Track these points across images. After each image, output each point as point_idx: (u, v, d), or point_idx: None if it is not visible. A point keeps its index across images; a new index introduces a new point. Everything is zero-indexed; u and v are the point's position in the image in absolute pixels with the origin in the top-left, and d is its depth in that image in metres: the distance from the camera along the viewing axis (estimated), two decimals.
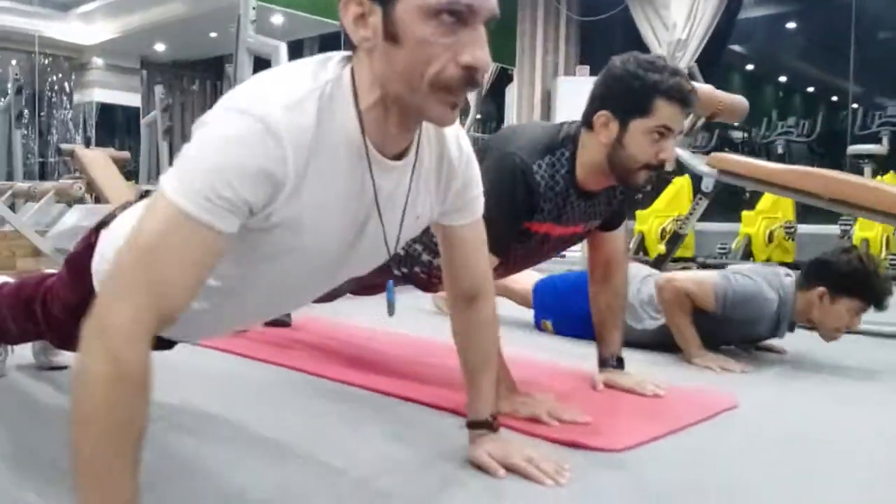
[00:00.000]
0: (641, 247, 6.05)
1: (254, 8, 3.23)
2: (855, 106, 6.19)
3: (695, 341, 2.15)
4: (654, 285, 2.24)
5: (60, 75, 10.12)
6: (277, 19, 6.86)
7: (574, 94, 7.29)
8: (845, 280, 2.04)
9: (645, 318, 2.29)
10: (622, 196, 1.75)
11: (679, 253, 6.04)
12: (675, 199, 6.04)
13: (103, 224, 1.26)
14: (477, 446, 1.25)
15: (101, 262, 1.18)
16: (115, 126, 11.04)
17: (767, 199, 5.76)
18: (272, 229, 0.92)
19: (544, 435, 1.40)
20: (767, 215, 5.84)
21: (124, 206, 1.30)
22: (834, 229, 5.08)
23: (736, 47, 8.47)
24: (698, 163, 3.03)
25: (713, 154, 2.98)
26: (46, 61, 9.81)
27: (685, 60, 6.80)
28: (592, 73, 7.46)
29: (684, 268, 5.42)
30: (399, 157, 1.00)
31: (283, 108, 0.86)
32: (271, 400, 1.68)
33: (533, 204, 1.56)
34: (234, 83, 3.26)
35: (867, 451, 1.43)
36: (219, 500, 1.09)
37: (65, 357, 1.83)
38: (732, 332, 2.21)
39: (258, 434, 1.41)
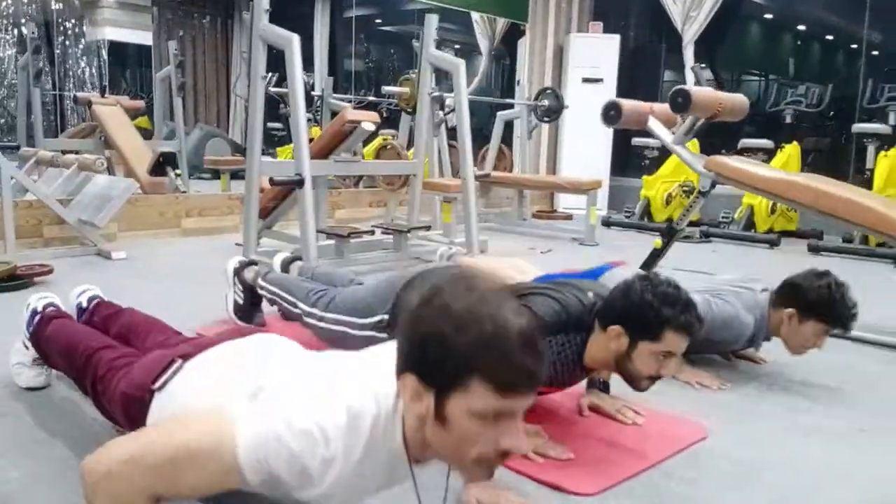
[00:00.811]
0: (647, 212, 6.16)
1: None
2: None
3: None
4: None
5: (71, 11, 10.05)
6: None
7: (586, 50, 7.29)
8: (813, 305, 2.19)
9: None
10: None
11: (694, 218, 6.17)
12: (681, 166, 6.11)
13: (184, 357, 1.35)
14: (469, 490, 1.44)
15: (161, 408, 1.29)
16: (126, 63, 11.03)
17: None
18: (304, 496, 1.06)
19: (528, 473, 1.59)
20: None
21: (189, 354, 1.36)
22: None
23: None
24: (697, 164, 3.13)
25: (710, 158, 3.08)
26: (59, 5, 9.74)
27: (699, 19, 6.74)
28: (606, 29, 7.41)
29: (687, 236, 5.56)
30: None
31: (344, 435, 1.01)
32: None
33: None
34: (250, 74, 3.40)
35: (829, 489, 1.62)
36: None
37: None
38: (711, 348, 2.39)
39: None
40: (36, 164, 4.38)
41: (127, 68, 11.19)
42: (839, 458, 1.79)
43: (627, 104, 3.32)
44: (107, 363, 1.51)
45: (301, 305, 2.27)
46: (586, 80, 7.21)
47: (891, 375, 2.51)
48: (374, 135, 4.59)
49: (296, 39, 3.24)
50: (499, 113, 6.39)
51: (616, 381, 2.02)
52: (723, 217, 5.82)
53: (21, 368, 1.97)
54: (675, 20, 6.92)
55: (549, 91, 6.35)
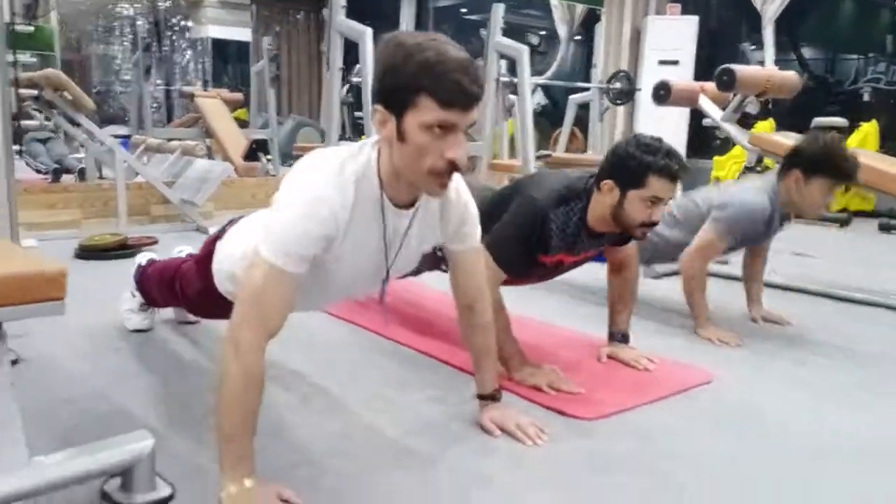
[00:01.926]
0: None
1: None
2: None
3: (702, 314, 2.51)
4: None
5: (178, 11, 10.85)
6: None
7: (664, 32, 7.32)
8: (814, 161, 2.34)
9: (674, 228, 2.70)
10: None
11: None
12: None
13: (219, 236, 1.79)
14: (483, 413, 1.72)
15: (218, 264, 1.74)
16: (227, 59, 11.79)
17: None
18: (330, 256, 1.39)
19: (538, 401, 1.86)
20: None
21: (232, 222, 1.82)
22: None
23: None
24: (743, 139, 3.26)
25: (753, 133, 3.20)
26: (167, 4, 10.54)
27: None
28: (684, 11, 7.41)
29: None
30: (409, 206, 1.44)
31: (335, 191, 1.32)
32: (345, 359, 2.20)
33: (544, 243, 1.96)
34: (329, 64, 3.76)
35: (813, 434, 1.80)
36: (285, 450, 1.62)
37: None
38: (747, 240, 2.57)
39: (326, 390, 1.92)
40: (145, 150, 4.91)
41: (228, 63, 11.97)
42: (831, 408, 1.95)
43: (677, 84, 3.47)
44: (185, 266, 1.97)
45: None
46: (662, 63, 7.24)
47: None
48: None
49: (368, 33, 3.56)
50: (571, 96, 6.55)
51: (645, 332, 2.26)
52: None
53: (130, 314, 2.38)
54: None
55: (621, 74, 6.45)
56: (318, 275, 1.44)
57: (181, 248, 2.54)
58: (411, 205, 1.45)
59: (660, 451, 1.64)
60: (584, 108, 6.67)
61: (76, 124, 4.33)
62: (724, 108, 3.44)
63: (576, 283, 3.03)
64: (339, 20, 3.67)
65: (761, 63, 6.72)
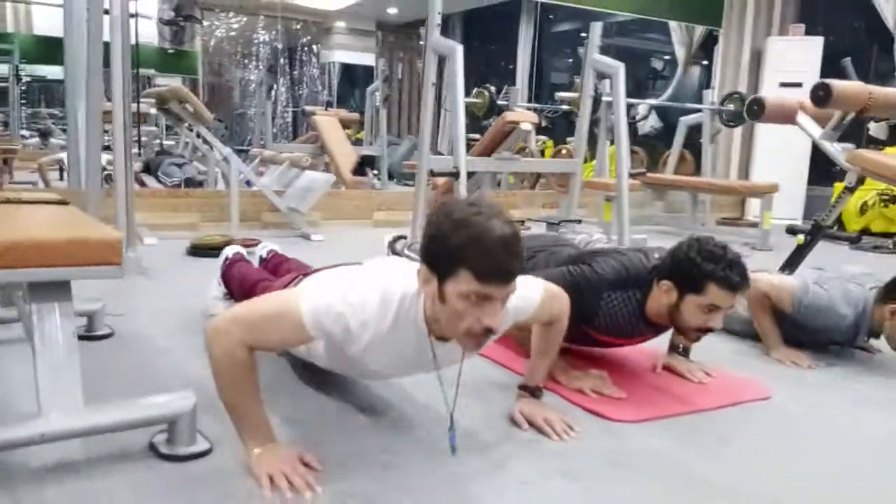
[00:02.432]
0: (837, 220, 5.82)
1: (439, 13, 3.79)
2: None
3: (773, 336, 2.41)
4: None
5: (309, 38, 11.54)
6: None
7: (786, 53, 7.02)
8: None
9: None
10: None
11: (887, 227, 5.79)
12: None
13: (305, 275, 1.91)
14: (516, 404, 1.76)
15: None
16: (355, 83, 12.38)
17: None
18: (352, 353, 1.46)
19: (577, 402, 1.86)
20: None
21: (308, 274, 1.92)
22: None
23: None
24: (841, 158, 3.11)
25: (853, 152, 3.04)
26: (298, 26, 11.24)
27: None
28: (809, 32, 7.08)
29: (876, 247, 5.25)
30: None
31: (377, 307, 1.40)
32: None
33: (587, 315, 1.94)
34: (424, 77, 3.92)
35: (879, 455, 1.71)
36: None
37: None
38: (807, 335, 2.42)
39: (405, 394, 1.96)
40: (261, 161, 5.27)
41: (355, 87, 12.54)
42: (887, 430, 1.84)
43: (772, 99, 3.36)
44: (262, 287, 2.08)
45: None
46: (784, 85, 6.93)
47: None
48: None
49: (459, 49, 3.68)
50: (682, 118, 6.41)
51: (718, 351, 2.20)
52: None
53: (215, 301, 2.58)
54: (887, 18, 6.46)
55: (735, 95, 6.25)
56: (352, 361, 1.53)
57: (265, 244, 2.74)
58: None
59: (691, 455, 1.61)
60: (698, 131, 6.52)
61: (200, 137, 4.73)
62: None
63: None
64: (435, 38, 3.82)
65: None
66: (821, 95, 3.05)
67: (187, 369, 1.98)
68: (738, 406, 1.93)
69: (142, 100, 5.34)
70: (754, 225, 6.45)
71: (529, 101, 9.43)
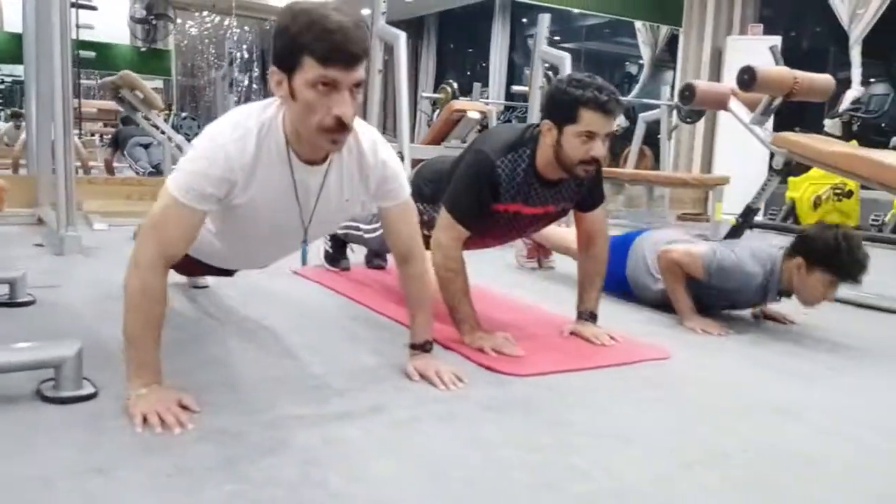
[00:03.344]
0: (792, 214, 5.94)
1: (384, 1, 3.86)
2: None
3: (685, 305, 2.48)
4: (655, 254, 2.57)
5: None
6: None
7: (745, 52, 7.12)
8: (819, 254, 2.25)
9: (658, 281, 2.64)
10: (589, 184, 2.15)
11: (841, 222, 5.87)
12: None
13: None
14: (410, 361, 1.80)
15: None
16: None
17: None
18: (237, 205, 1.54)
19: (474, 359, 1.91)
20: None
21: None
22: None
23: None
24: (767, 140, 3.19)
25: (778, 134, 3.12)
26: (269, 26, 11.27)
27: (867, 17, 6.37)
28: (767, 32, 7.20)
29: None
30: (318, 162, 1.56)
31: (234, 141, 1.47)
32: (319, 319, 2.33)
33: (494, 190, 2.04)
34: (370, 62, 3.97)
35: (757, 415, 1.77)
36: (217, 374, 1.76)
37: (205, 280, 2.61)
38: (722, 298, 2.50)
39: (289, 340, 2.06)
40: None
41: None
42: (768, 380, 1.91)
43: (703, 85, 3.44)
44: None
45: (362, 226, 2.76)
46: None
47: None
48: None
49: (402, 37, 3.75)
50: (640, 115, 6.51)
51: (632, 322, 2.26)
52: (872, 220, 5.49)
53: None
54: (842, 18, 6.59)
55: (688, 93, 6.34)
56: (234, 223, 1.60)
57: None
58: (322, 161, 1.56)
59: (566, 403, 1.66)
60: (659, 128, 6.62)
61: (152, 123, 4.75)
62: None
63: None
64: (380, 26, 3.88)
65: (848, 83, 6.45)
66: (745, 79, 3.15)
67: (97, 329, 2.02)
68: (634, 365, 1.99)
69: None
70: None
71: (506, 99, 9.54)
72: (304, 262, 1.74)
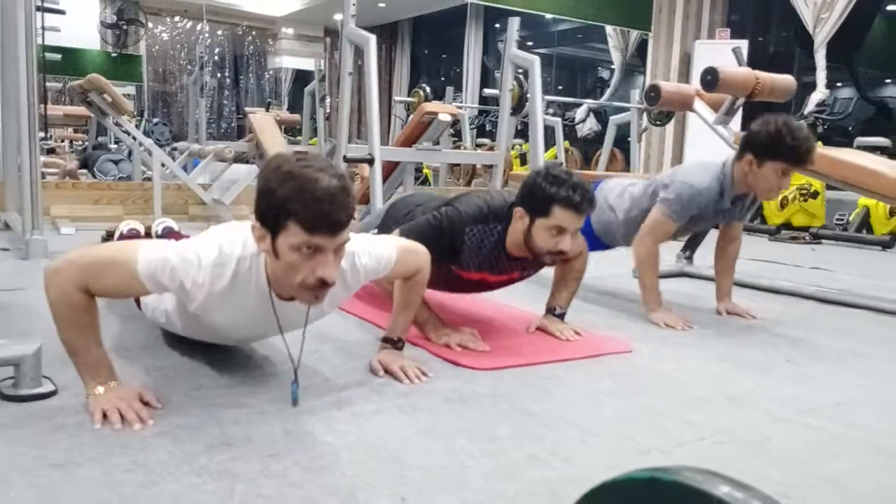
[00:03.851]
0: (759, 214, 5.98)
1: (354, 3, 3.86)
2: None
3: (654, 297, 2.52)
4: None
5: (257, 44, 11.55)
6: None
7: (712, 56, 7.23)
8: (765, 145, 2.32)
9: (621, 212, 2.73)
10: None
11: (807, 222, 5.96)
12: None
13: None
14: (377, 354, 1.82)
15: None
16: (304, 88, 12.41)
17: None
18: (194, 310, 1.52)
19: (440, 355, 1.93)
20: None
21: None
22: None
23: None
24: (730, 139, 3.24)
25: (739, 132, 3.17)
26: (245, 32, 11.24)
27: (830, 21, 6.51)
28: (735, 36, 7.33)
29: (794, 238, 5.43)
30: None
31: (211, 267, 1.45)
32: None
33: (454, 252, 2.04)
34: (340, 65, 3.98)
35: (709, 404, 1.80)
36: (196, 375, 1.75)
37: None
38: (694, 221, 2.57)
39: (265, 347, 2.04)
40: (189, 155, 5.28)
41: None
42: (738, 378, 1.94)
43: (668, 86, 3.49)
44: None
45: None
46: None
47: (870, 335, 2.51)
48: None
49: (372, 39, 3.76)
50: (611, 117, 6.58)
51: (599, 317, 2.29)
52: (837, 220, 5.59)
53: None
54: (807, 22, 6.73)
55: (653, 94, 6.42)
56: (201, 322, 1.59)
57: (161, 219, 2.76)
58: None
59: (527, 394, 1.68)
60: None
61: (122, 128, 4.72)
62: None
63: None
64: (350, 28, 3.89)
65: (813, 86, 6.57)
66: (709, 80, 3.20)
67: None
68: (597, 358, 2.02)
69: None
70: None
71: (479, 103, 9.58)
72: (294, 403, 1.66)
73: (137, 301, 2.32)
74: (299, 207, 1.31)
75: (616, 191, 2.80)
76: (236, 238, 1.49)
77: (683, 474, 0.52)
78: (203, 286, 1.45)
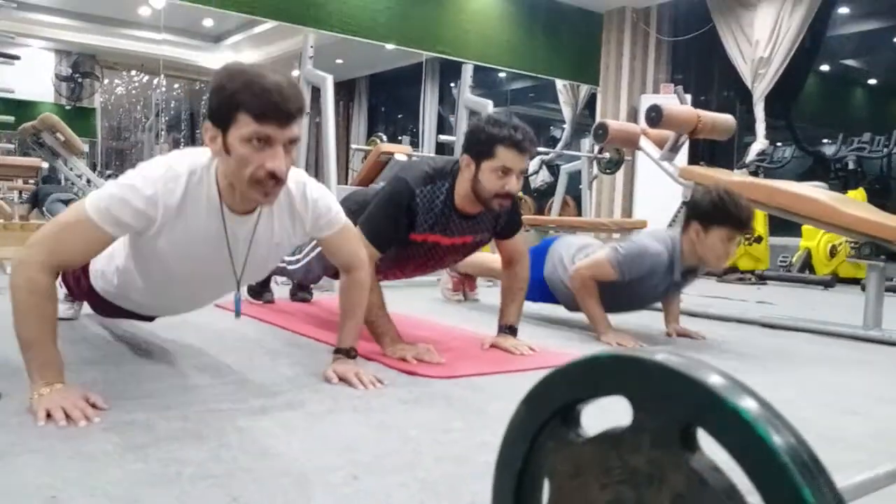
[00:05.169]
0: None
1: (312, 46, 3.96)
2: None
3: (601, 320, 2.56)
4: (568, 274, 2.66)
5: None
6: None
7: None
8: (709, 212, 2.39)
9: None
10: (506, 216, 2.23)
11: (752, 266, 6.14)
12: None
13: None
14: (331, 365, 1.81)
15: (94, 263, 1.83)
16: None
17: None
18: (160, 247, 1.53)
19: (396, 366, 1.93)
20: None
21: None
22: None
23: (852, 62, 8.30)
24: (675, 174, 3.37)
25: (684, 167, 3.31)
26: (201, 86, 11.30)
27: (768, 77, 6.87)
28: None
29: (740, 279, 5.59)
30: (249, 212, 1.58)
31: (163, 181, 1.47)
32: (239, 341, 2.31)
33: (411, 219, 2.09)
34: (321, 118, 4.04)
35: None
36: (142, 396, 1.72)
37: None
38: (635, 295, 2.60)
39: (208, 357, 2.03)
40: None
41: None
42: None
43: (615, 124, 3.63)
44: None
45: (285, 258, 2.75)
46: None
47: (808, 353, 2.59)
48: None
49: (329, 79, 3.85)
50: (563, 166, 6.75)
51: (551, 338, 2.31)
52: (780, 262, 5.78)
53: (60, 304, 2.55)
54: (745, 78, 7.08)
55: (600, 131, 6.64)
56: (160, 266, 1.60)
57: None
58: (252, 211, 1.58)
59: (478, 397, 1.69)
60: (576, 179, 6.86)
61: (73, 170, 4.66)
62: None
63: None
64: (307, 69, 3.97)
65: (753, 137, 6.89)
66: (653, 116, 3.34)
67: (2, 347, 1.95)
68: (543, 370, 2.03)
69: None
70: None
71: (436, 151, 9.72)
72: (237, 314, 1.71)
73: (71, 291, 2.29)
74: (248, 97, 1.37)
75: (571, 251, 2.78)
76: (183, 157, 1.51)
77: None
78: (157, 201, 1.45)
